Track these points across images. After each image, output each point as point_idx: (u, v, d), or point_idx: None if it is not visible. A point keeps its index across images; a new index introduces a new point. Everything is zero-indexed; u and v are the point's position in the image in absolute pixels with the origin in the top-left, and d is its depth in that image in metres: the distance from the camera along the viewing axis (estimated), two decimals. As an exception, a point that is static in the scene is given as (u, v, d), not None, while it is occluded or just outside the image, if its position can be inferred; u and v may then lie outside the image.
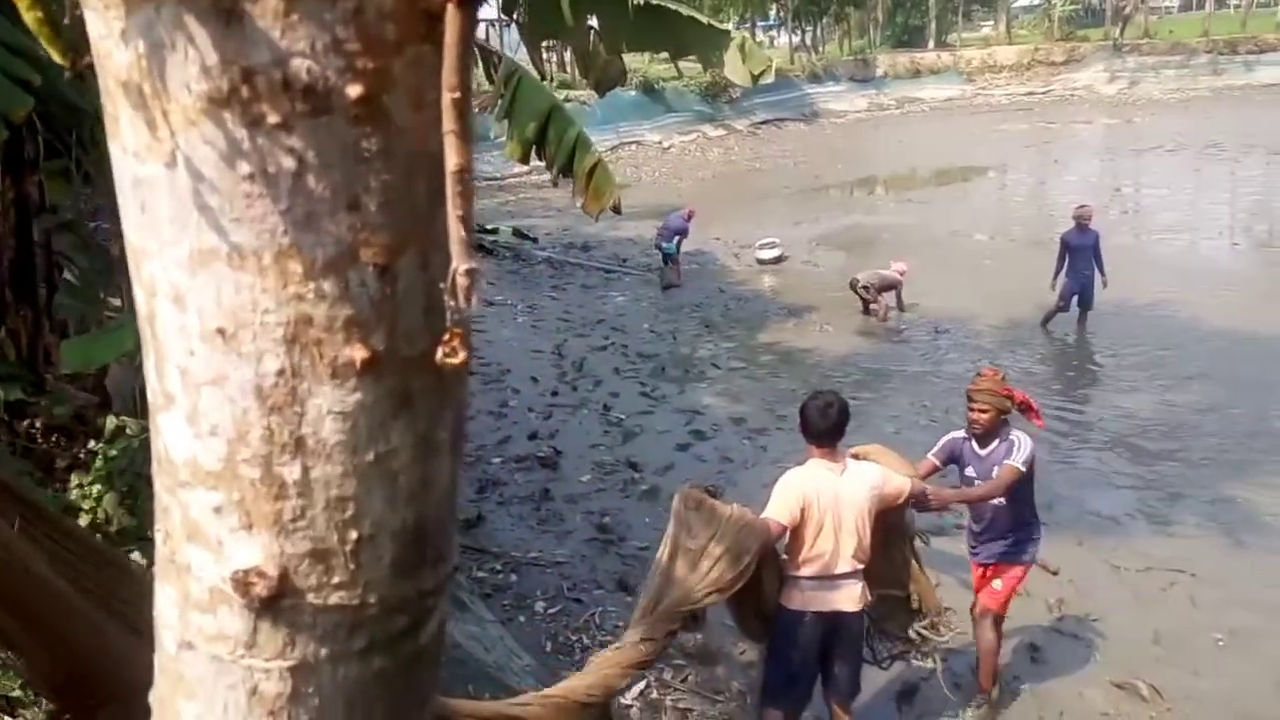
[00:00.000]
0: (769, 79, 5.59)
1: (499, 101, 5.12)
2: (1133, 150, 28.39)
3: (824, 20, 53.89)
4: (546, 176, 6.16)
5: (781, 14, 53.04)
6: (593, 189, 5.16)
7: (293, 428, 0.82)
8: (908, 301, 12.82)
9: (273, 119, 0.73)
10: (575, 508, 7.66)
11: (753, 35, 50.36)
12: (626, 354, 11.77)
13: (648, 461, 8.54)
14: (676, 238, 15.05)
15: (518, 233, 17.68)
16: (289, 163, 0.75)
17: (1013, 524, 4.93)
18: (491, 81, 5.29)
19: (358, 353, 0.80)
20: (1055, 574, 5.70)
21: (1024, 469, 4.72)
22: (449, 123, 0.67)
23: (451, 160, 0.68)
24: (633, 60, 32.79)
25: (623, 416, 9.65)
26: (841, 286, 13.39)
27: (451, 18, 0.66)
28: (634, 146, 33.53)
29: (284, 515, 0.84)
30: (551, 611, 6.05)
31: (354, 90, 0.73)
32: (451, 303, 0.71)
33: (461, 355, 0.72)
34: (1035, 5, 63.92)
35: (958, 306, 12.86)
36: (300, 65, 0.72)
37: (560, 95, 28.57)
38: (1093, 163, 27.17)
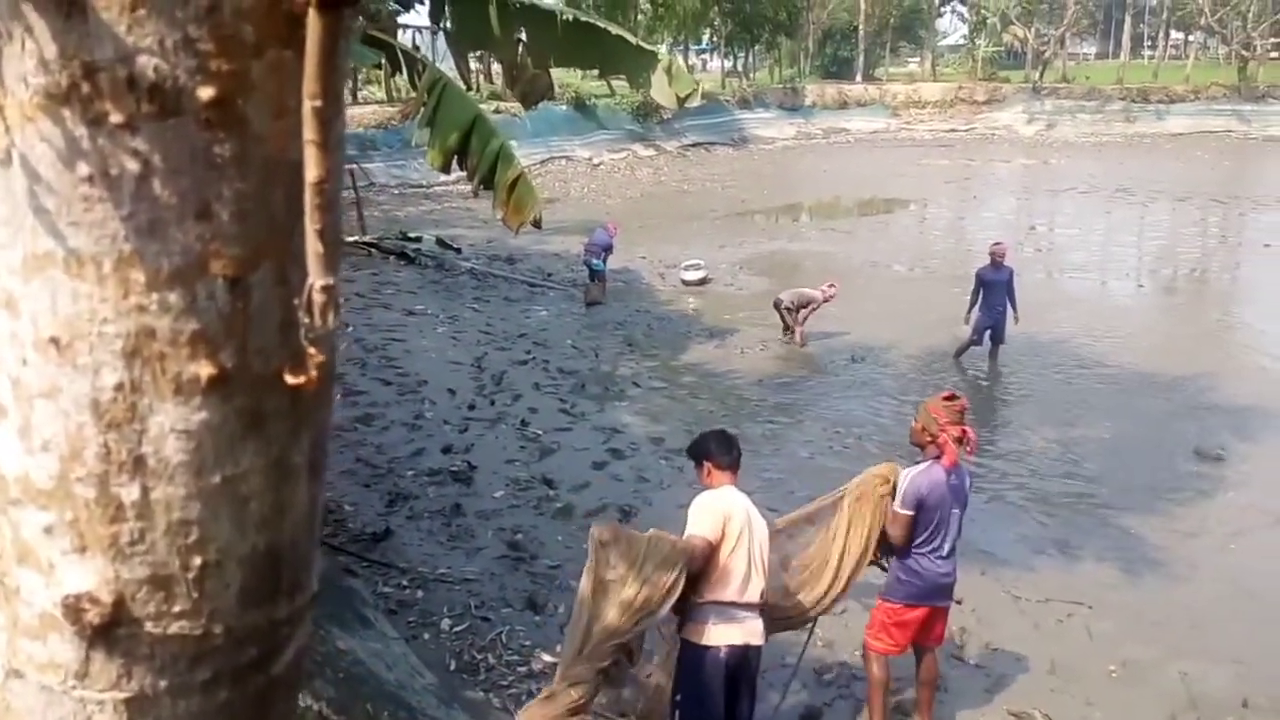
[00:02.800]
0: (695, 102, 5.63)
1: (421, 109, 5.05)
2: (1048, 190, 29.38)
3: (756, 48, 54.76)
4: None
5: (714, 39, 53.74)
6: (514, 202, 5.11)
7: (132, 446, 0.77)
8: (833, 329, 12.99)
9: (116, 118, 0.69)
10: (487, 524, 7.55)
11: (685, 59, 51.03)
12: (547, 369, 11.70)
13: (563, 479, 8.47)
14: (605, 254, 15.07)
15: (441, 242, 17.49)
16: (133, 165, 0.70)
17: (896, 556, 4.95)
18: (415, 88, 5.21)
19: (204, 369, 0.75)
20: (958, 603, 5.79)
21: (898, 509, 4.77)
22: (310, 132, 0.64)
23: (311, 171, 0.64)
24: (565, 75, 32.85)
25: (540, 432, 9.56)
26: (764, 310, 13.54)
27: (314, 23, 0.62)
28: (564, 161, 33.53)
29: (121, 538, 0.79)
30: (458, 630, 5.94)
31: (206, 92, 0.69)
32: (307, 320, 0.66)
33: (314, 376, 0.68)
34: (960, 45, 65.99)
35: (875, 335, 13.11)
36: (147, 63, 0.67)
37: (490, 107, 28.55)
38: (1010, 201, 28.03)
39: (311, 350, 0.68)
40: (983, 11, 58.34)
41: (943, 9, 63.77)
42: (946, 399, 4.87)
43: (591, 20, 5.24)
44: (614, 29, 5.30)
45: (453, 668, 5.54)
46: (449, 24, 5.38)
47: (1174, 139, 43.77)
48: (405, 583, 6.49)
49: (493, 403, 10.41)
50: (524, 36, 5.12)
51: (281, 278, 0.78)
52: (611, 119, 36.51)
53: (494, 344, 12.65)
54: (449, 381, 10.93)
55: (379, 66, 6.79)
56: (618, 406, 10.55)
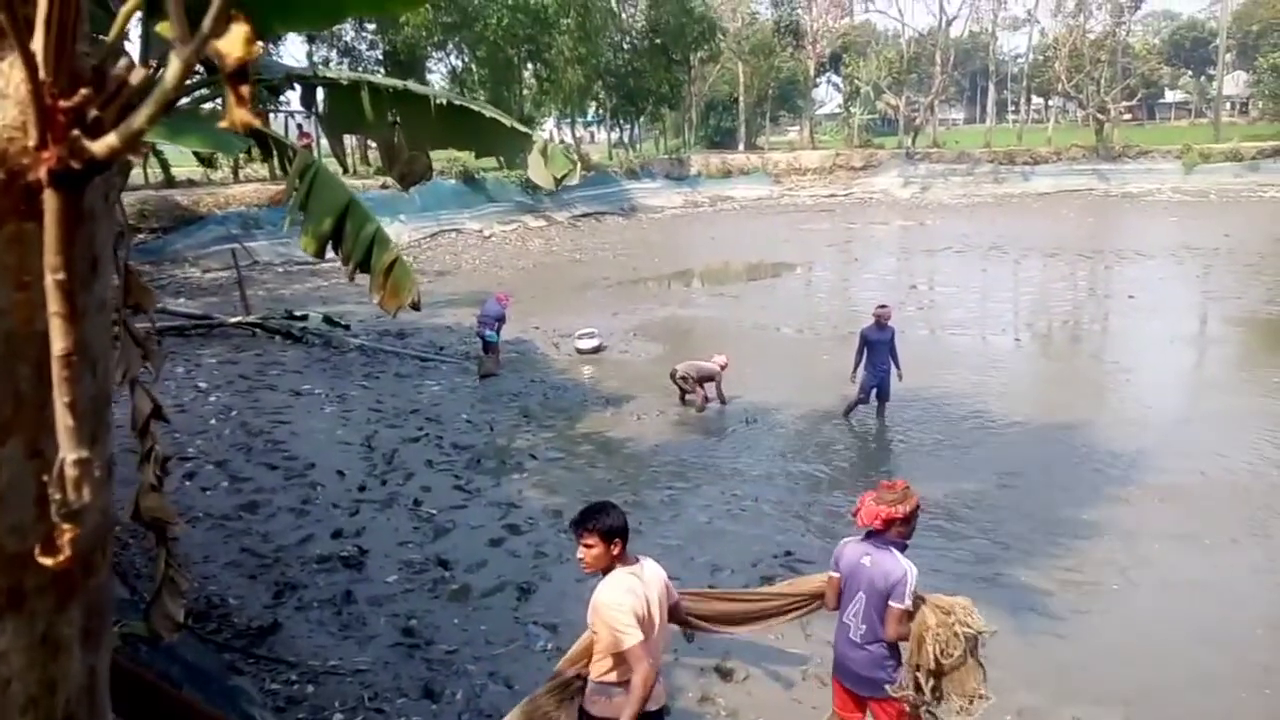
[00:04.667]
0: (572, 181, 5.69)
1: (293, 195, 4.99)
2: (925, 250, 30.59)
3: (641, 119, 56.04)
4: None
5: (600, 111, 54.80)
6: (391, 286, 5.06)
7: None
8: (726, 393, 13.15)
9: None
10: (380, 610, 7.33)
11: (573, 131, 51.85)
12: (441, 445, 11.52)
13: (459, 558, 8.30)
14: (497, 324, 15.01)
15: (328, 320, 17.17)
16: None
17: None
18: (285, 173, 5.15)
19: (-49, 550, 0.70)
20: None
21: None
22: (54, 304, 0.61)
23: (57, 343, 0.61)
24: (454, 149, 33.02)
25: (434, 511, 9.38)
26: (659, 376, 13.65)
27: (50, 200, 0.60)
28: (454, 234, 33.51)
29: None
30: (350, 724, 5.72)
31: (-58, 267, 0.65)
32: (58, 495, 0.63)
33: (68, 555, 0.64)
34: (836, 113, 68.83)
35: (766, 397, 13.33)
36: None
37: (377, 183, 28.41)
38: (890, 261, 29.08)
39: (66, 526, 0.64)
40: (856, 82, 61.07)
41: (818, 79, 66.52)
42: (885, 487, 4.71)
43: (466, 104, 5.27)
44: (489, 112, 5.34)
45: (344, 768, 5.31)
46: (321, 108, 5.35)
47: (1040, 198, 46.38)
48: (294, 677, 6.22)
49: (384, 483, 10.18)
50: (398, 120, 5.12)
51: (34, 451, 0.74)
52: (501, 191, 36.76)
53: (385, 422, 12.41)
54: (338, 463, 10.65)
55: (248, 153, 6.69)
56: (514, 480, 10.43)
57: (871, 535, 4.56)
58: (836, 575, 4.68)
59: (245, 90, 0.63)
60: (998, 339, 17.83)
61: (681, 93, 55.22)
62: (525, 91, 45.79)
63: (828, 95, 77.04)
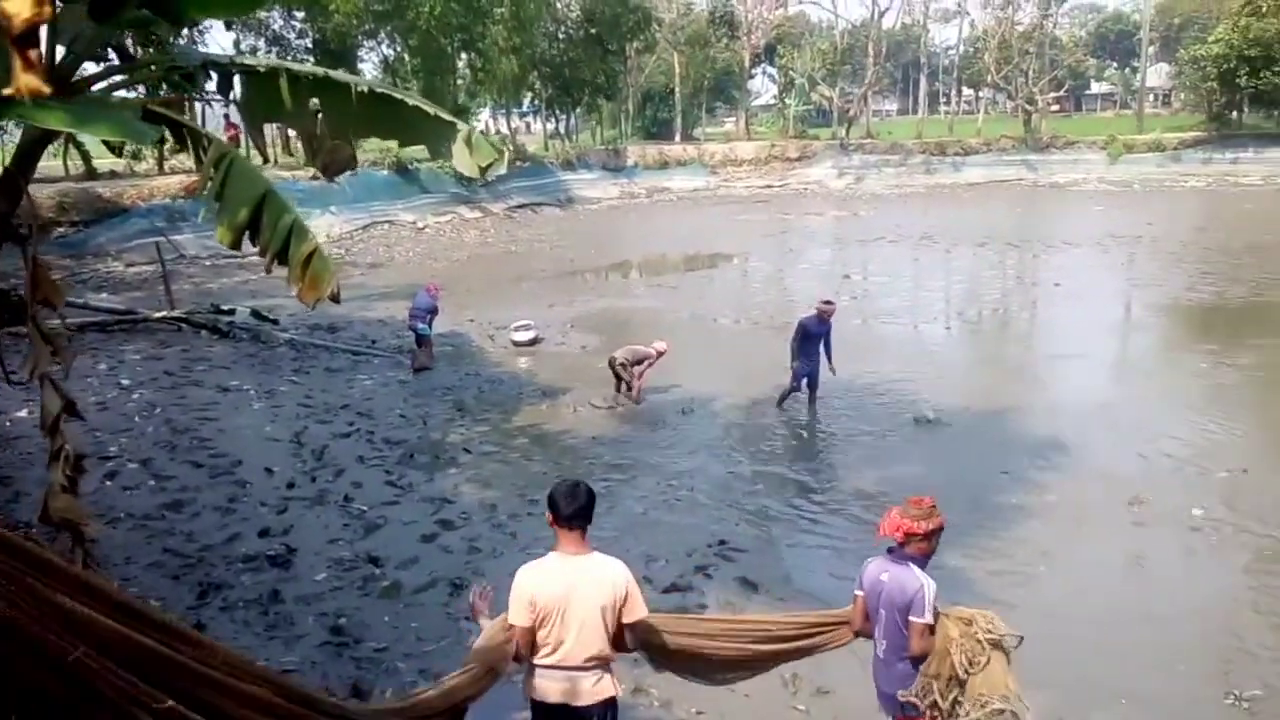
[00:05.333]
0: (500, 170, 5.61)
1: (209, 184, 4.84)
2: (859, 240, 31.00)
3: (577, 110, 55.91)
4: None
5: (536, 102, 54.53)
6: (309, 277, 4.93)
7: None
8: (664, 383, 13.14)
9: None
10: (308, 609, 7.20)
11: (509, 121, 51.51)
12: (373, 440, 11.35)
13: (390, 555, 8.18)
14: (430, 317, 14.82)
15: (256, 314, 16.78)
16: None
17: None
18: (200, 164, 5.01)
19: None
20: None
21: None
22: None
23: None
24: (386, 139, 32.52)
25: (365, 508, 9.23)
26: (596, 368, 13.62)
27: None
28: (387, 226, 33.10)
29: None
30: (274, 728, 5.59)
31: None
32: None
33: None
34: (771, 104, 69.41)
35: (703, 387, 13.36)
36: None
37: (308, 173, 27.90)
38: (824, 252, 29.40)
39: None
40: (790, 73, 61.56)
41: (754, 71, 66.91)
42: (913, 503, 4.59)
43: (388, 92, 5.16)
44: (412, 100, 5.23)
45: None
46: (239, 97, 5.21)
47: (971, 188, 47.35)
48: (217, 681, 6.07)
49: (314, 480, 10.01)
50: (319, 108, 5.00)
51: None
52: (435, 182, 36.33)
53: (315, 417, 12.20)
54: (266, 460, 10.45)
55: (162, 142, 6.51)
56: (448, 475, 10.32)
57: (892, 551, 4.51)
58: (861, 594, 4.59)
59: (34, 54, 0.58)
60: (929, 327, 18.13)
61: (618, 83, 55.15)
62: (459, 81, 45.29)
63: (763, 86, 77.52)
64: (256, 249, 5.04)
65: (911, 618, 4.31)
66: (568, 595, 3.98)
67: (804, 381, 12.26)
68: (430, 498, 9.58)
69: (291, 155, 32.91)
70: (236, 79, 5.13)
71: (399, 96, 5.19)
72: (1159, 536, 8.53)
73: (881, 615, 4.46)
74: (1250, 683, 6.20)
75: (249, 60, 5.51)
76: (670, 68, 61.18)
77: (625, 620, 4.06)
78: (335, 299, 5.18)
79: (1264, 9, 44.77)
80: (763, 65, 67.15)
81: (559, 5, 49.64)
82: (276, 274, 5.42)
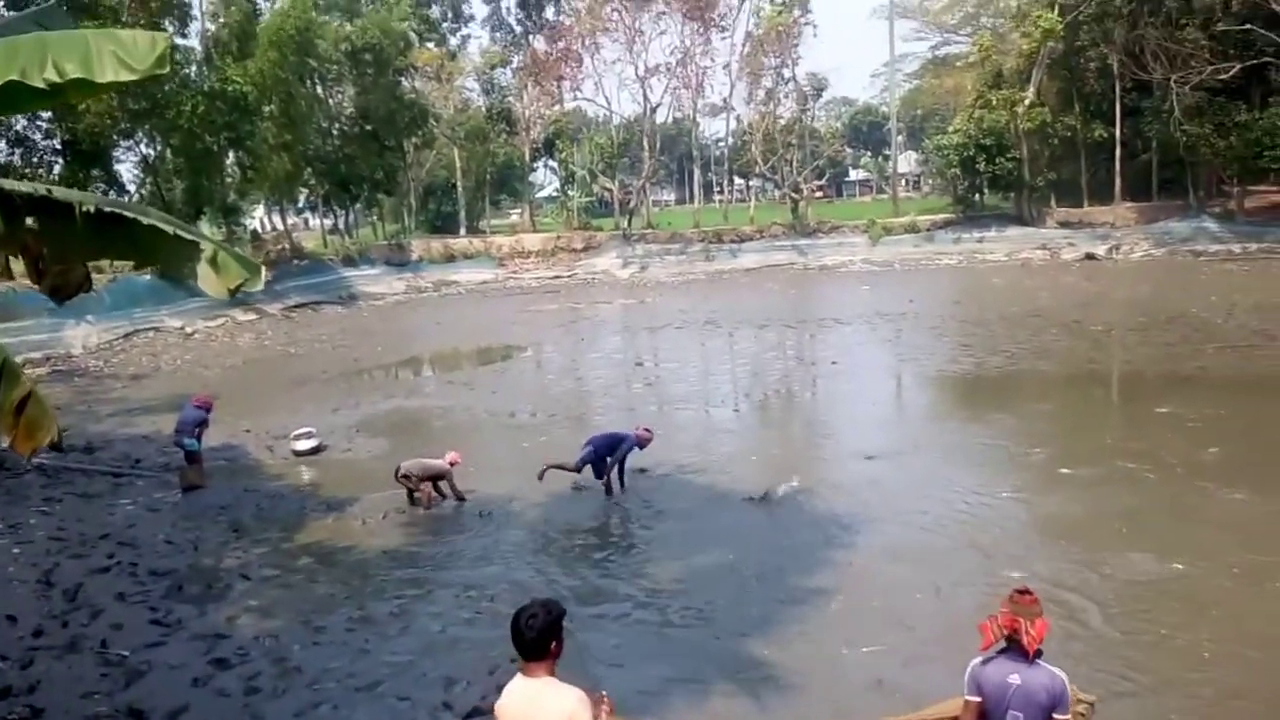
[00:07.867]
0: (255, 287, 5.13)
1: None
2: (647, 328, 31.62)
3: (356, 205, 54.85)
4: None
5: (313, 198, 53.09)
6: (24, 425, 4.26)
7: None
8: (461, 485, 12.59)
9: None
10: (55, 785, 6.22)
11: (284, 218, 49.77)
12: (135, 574, 10.23)
13: (156, 706, 7.27)
14: (198, 430, 13.66)
15: (-7, 439, 15.00)
16: None
17: None
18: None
19: None
20: None
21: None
22: None
23: None
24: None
25: (126, 653, 8.23)
26: (386, 475, 12.89)
27: None
28: (151, 333, 30.98)
29: None
30: None
31: None
32: None
33: None
34: (555, 196, 70.62)
35: (501, 487, 12.95)
36: None
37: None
38: (615, 339, 29.77)
39: None
40: (570, 166, 62.99)
41: (535, 164, 68.00)
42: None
43: (119, 211, 4.63)
44: (146, 219, 4.71)
45: None
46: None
47: (747, 273, 49.70)
48: None
49: (65, 625, 8.89)
50: (38, 230, 4.40)
51: None
52: (205, 285, 34.37)
53: (68, 551, 10.95)
54: (7, 607, 9.21)
55: None
56: (222, 606, 9.39)
57: (1006, 651, 4.44)
58: (978, 699, 4.49)
59: None
60: (719, 411, 18.48)
61: (397, 178, 54.64)
62: (228, 180, 43.37)
63: (546, 178, 78.95)
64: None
65: (1056, 715, 4.36)
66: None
67: (585, 465, 12.56)
68: (202, 634, 8.64)
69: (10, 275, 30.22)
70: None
71: (132, 215, 4.66)
72: (955, 601, 8.69)
73: (1013, 717, 4.43)
74: None
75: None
76: (451, 162, 61.22)
77: None
78: (57, 447, 4.51)
79: (993, 102, 49.94)
80: (544, 158, 68.36)
81: (331, 103, 48.86)
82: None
